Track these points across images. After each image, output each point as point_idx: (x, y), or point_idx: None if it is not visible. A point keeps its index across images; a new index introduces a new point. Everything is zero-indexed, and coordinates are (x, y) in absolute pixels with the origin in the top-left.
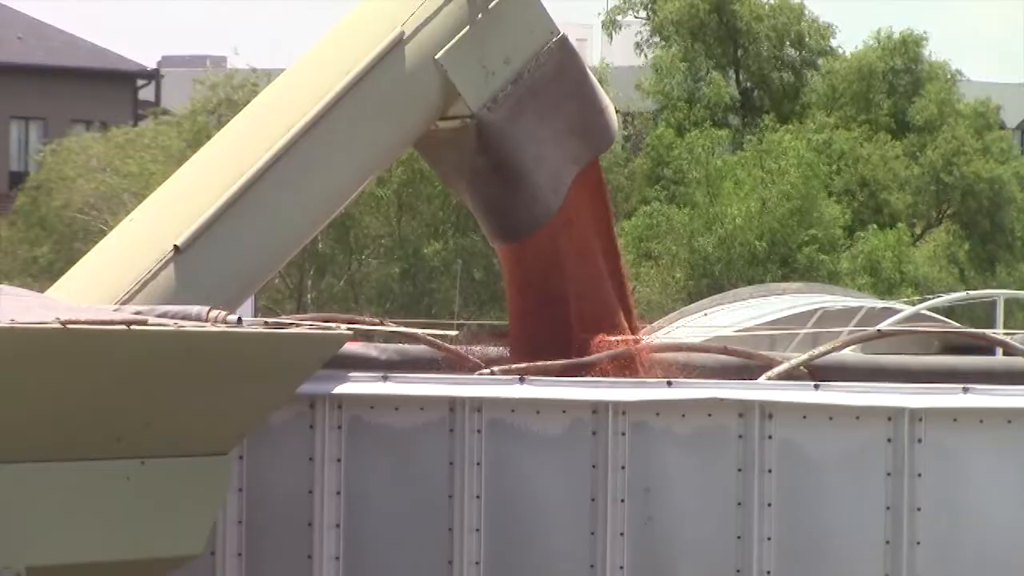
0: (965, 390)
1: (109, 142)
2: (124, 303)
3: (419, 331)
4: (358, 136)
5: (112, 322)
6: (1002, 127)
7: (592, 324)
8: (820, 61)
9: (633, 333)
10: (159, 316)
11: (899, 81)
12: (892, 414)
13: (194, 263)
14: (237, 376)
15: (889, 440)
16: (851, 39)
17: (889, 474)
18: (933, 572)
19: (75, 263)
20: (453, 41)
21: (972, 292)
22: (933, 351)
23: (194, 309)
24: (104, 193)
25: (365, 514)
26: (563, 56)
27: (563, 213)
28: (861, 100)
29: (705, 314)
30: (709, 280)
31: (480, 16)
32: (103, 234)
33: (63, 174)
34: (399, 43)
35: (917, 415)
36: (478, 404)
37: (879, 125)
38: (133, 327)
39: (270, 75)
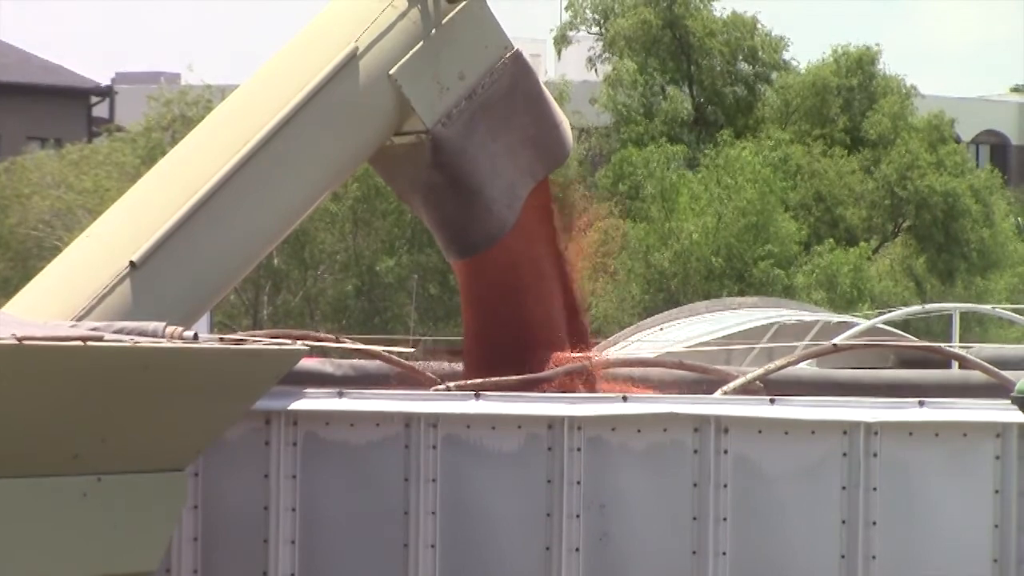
0: (921, 404)
1: (63, 159)
2: (81, 319)
3: (374, 347)
4: (313, 151)
5: (68, 338)
6: (956, 141)
7: (548, 340)
8: (774, 75)
9: (585, 335)
10: (115, 332)
11: (853, 96)
12: (847, 428)
13: (150, 279)
14: (193, 392)
15: (844, 454)
16: (805, 51)
17: (844, 488)
18: None
19: (31, 280)
20: (407, 56)
21: (928, 306)
22: (889, 365)
23: (151, 325)
24: (59, 210)
25: (321, 530)
26: (517, 71)
27: (518, 228)
28: (815, 115)
29: (661, 329)
30: (665, 295)
31: (434, 31)
32: (58, 250)
33: (18, 191)
34: (353, 58)
35: (872, 429)
36: (434, 420)
37: (834, 140)
38: (89, 343)
39: (224, 91)
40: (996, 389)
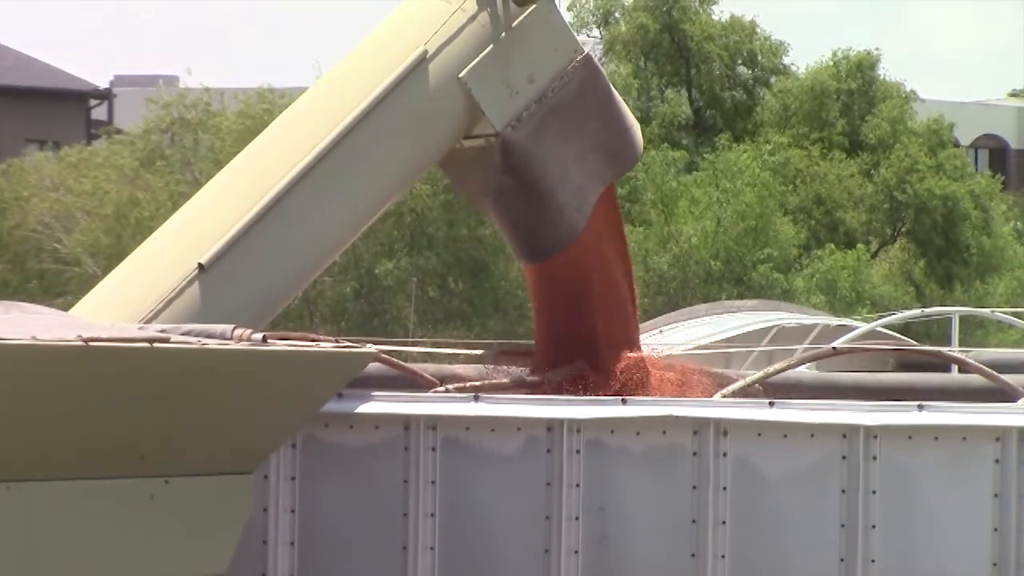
0: (920, 407)
1: (62, 161)
2: (149, 322)
3: (373, 348)
4: (382, 154)
5: (134, 340)
6: (955, 145)
7: (615, 341)
8: (773, 79)
9: (636, 337)
10: (183, 334)
11: (853, 100)
12: (847, 431)
13: (219, 281)
14: (262, 394)
15: (844, 457)
16: (804, 56)
17: (844, 491)
18: None
19: (29, 281)
20: (477, 59)
21: (927, 310)
22: (888, 368)
23: (218, 328)
24: (58, 212)
25: (320, 532)
26: (587, 74)
27: (588, 231)
28: (814, 119)
29: (661, 331)
30: (664, 298)
31: (504, 34)
32: (57, 252)
33: (16, 194)
34: (423, 61)
35: (872, 432)
36: (433, 422)
37: (832, 143)
38: (155, 345)
39: (223, 94)
40: (996, 393)
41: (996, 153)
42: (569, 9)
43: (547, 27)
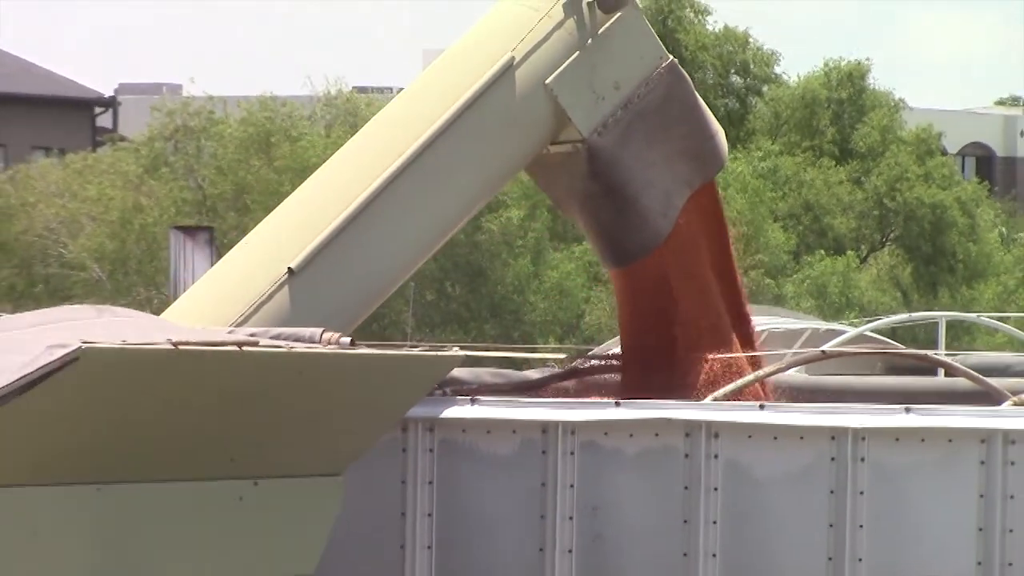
0: (907, 410)
1: (68, 168)
2: (239, 325)
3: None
4: (470, 159)
5: (224, 343)
6: (944, 153)
7: (700, 343)
8: (765, 88)
9: (749, 338)
10: (272, 338)
11: (843, 109)
12: (835, 433)
13: (308, 286)
14: (350, 397)
15: (832, 459)
16: (795, 65)
17: (832, 492)
18: None
19: (35, 285)
20: (563, 66)
21: (915, 314)
22: (876, 372)
23: (307, 331)
24: (64, 218)
25: None
26: (672, 81)
27: (674, 236)
28: (805, 127)
29: None
30: None
31: (590, 41)
32: (63, 257)
33: (23, 200)
34: (510, 68)
35: (860, 434)
36: (430, 424)
37: (823, 151)
38: (244, 348)
39: (225, 102)
40: (981, 396)
41: (983, 161)
42: None
43: (632, 34)
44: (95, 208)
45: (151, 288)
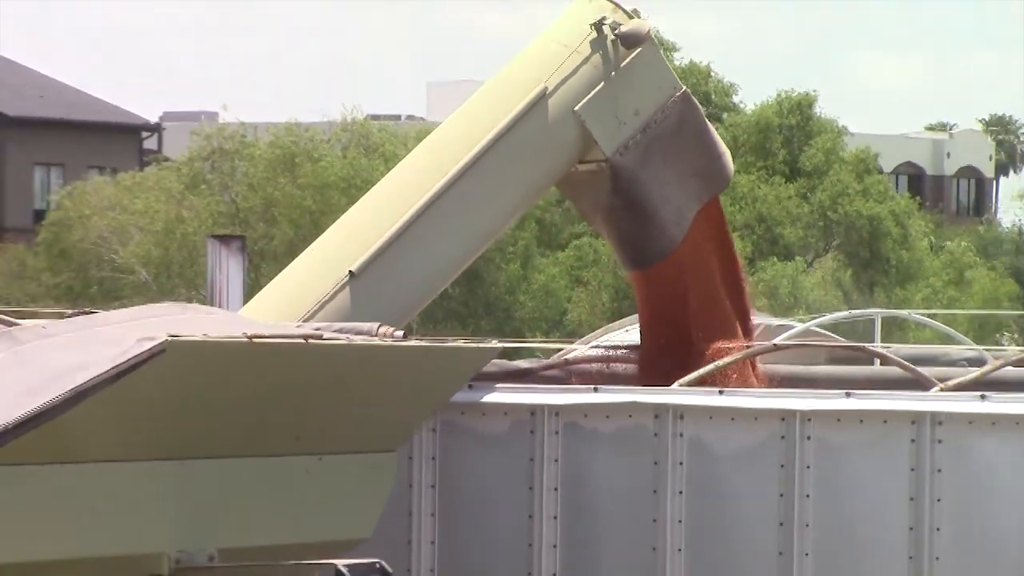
0: (847, 395)
1: (118, 185)
2: (306, 321)
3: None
4: (508, 177)
5: (292, 336)
6: (880, 172)
7: (710, 334)
8: (724, 115)
9: (750, 331)
10: (335, 331)
11: (793, 134)
12: (785, 415)
13: (367, 286)
14: (402, 383)
15: (782, 437)
16: (752, 95)
17: (782, 466)
18: (819, 548)
19: (90, 287)
20: (590, 95)
21: (854, 312)
22: (821, 362)
23: (365, 326)
24: (115, 228)
25: None
26: (685, 108)
27: (685, 243)
28: (759, 149)
29: (627, 331)
30: (630, 302)
31: (614, 73)
32: (114, 263)
33: (80, 212)
34: (543, 96)
35: (806, 416)
36: None
37: (775, 170)
38: (310, 340)
39: (256, 128)
40: (912, 383)
41: (914, 178)
42: None
43: (651, 67)
44: (142, 220)
45: (191, 289)
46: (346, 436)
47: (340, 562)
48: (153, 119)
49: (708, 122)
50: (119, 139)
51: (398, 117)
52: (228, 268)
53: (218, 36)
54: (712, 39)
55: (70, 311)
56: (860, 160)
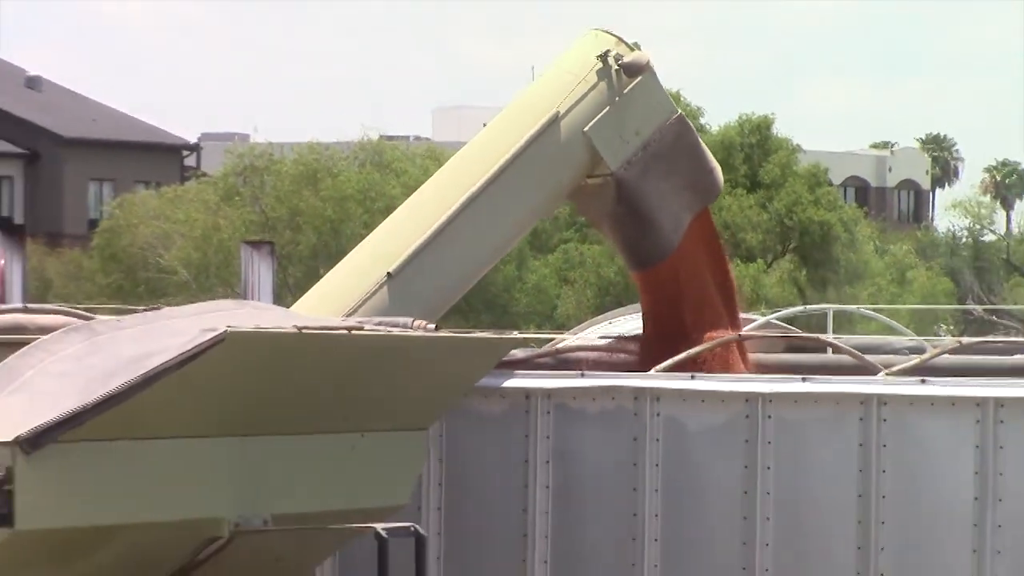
0: (804, 379)
1: (162, 197)
2: (349, 316)
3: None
4: (526, 188)
5: (337, 327)
6: (829, 184)
7: (701, 325)
8: None
9: (737, 324)
10: (375, 325)
11: (753, 151)
12: (749, 397)
13: (403, 285)
14: (434, 370)
15: (747, 416)
16: (716, 117)
17: (747, 441)
18: (779, 513)
19: (138, 286)
20: (597, 117)
21: (808, 307)
22: (780, 351)
23: (401, 320)
24: (159, 235)
25: None
26: (680, 129)
27: (681, 247)
28: (723, 165)
29: (610, 323)
30: (612, 298)
31: (617, 98)
32: (158, 264)
33: (128, 221)
34: (556, 119)
35: (768, 398)
36: None
37: (737, 183)
38: (354, 332)
39: (282, 147)
40: (860, 369)
41: (860, 190)
42: None
43: (650, 93)
44: (183, 227)
45: (227, 288)
46: (385, 416)
47: (379, 526)
48: (192, 140)
49: (700, 140)
50: (163, 157)
51: (407, 137)
52: (259, 270)
53: (249, 67)
54: (682, 67)
55: (141, 307)
56: (812, 174)
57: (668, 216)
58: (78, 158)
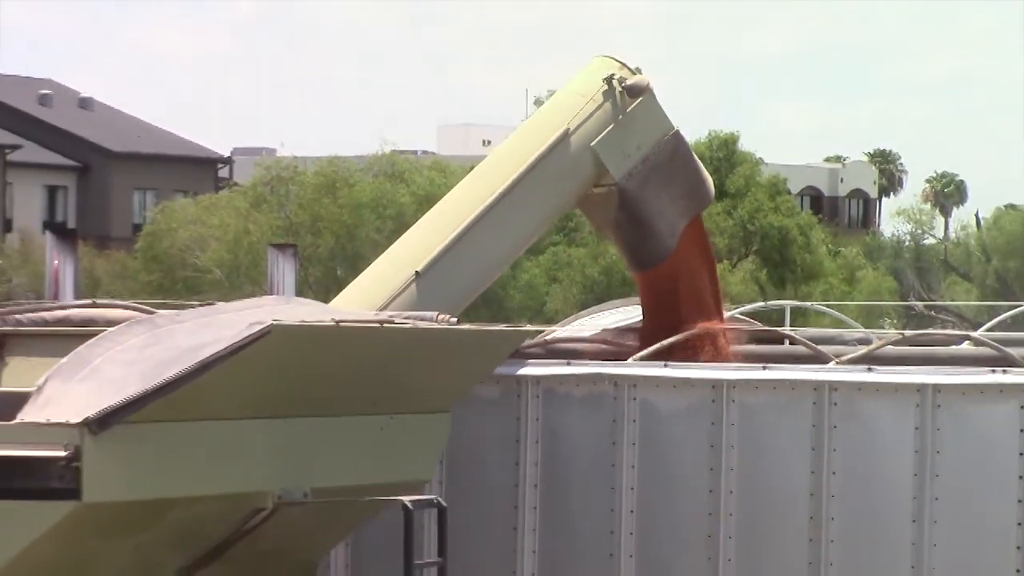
0: (764, 367)
1: (198, 205)
2: (380, 310)
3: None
4: (540, 197)
5: (371, 321)
6: (788, 193)
7: (695, 318)
8: None
9: (722, 317)
10: (404, 318)
11: (720, 164)
12: (715, 383)
13: (429, 283)
14: (455, 358)
15: (713, 401)
16: (687, 133)
17: (713, 423)
18: (741, 487)
19: (176, 284)
20: (603, 134)
21: (769, 303)
22: (743, 342)
23: (427, 314)
24: (196, 238)
25: None
26: (677, 144)
27: (678, 250)
28: None
29: (592, 317)
30: (595, 295)
31: (621, 117)
32: (195, 265)
33: (168, 226)
34: (566, 135)
35: (732, 384)
36: None
37: None
38: (384, 325)
39: (305, 160)
40: (814, 358)
41: (815, 199)
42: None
43: (650, 112)
44: (217, 232)
45: (256, 287)
46: (412, 399)
47: (406, 498)
48: (225, 153)
49: (694, 154)
50: (199, 169)
51: (415, 152)
52: (283, 270)
53: (276, 89)
54: (659, 91)
55: (196, 302)
56: (772, 184)
57: (665, 222)
58: (124, 170)
